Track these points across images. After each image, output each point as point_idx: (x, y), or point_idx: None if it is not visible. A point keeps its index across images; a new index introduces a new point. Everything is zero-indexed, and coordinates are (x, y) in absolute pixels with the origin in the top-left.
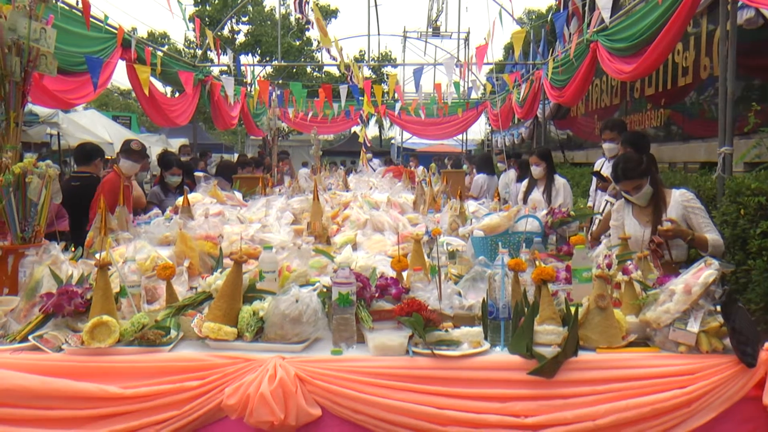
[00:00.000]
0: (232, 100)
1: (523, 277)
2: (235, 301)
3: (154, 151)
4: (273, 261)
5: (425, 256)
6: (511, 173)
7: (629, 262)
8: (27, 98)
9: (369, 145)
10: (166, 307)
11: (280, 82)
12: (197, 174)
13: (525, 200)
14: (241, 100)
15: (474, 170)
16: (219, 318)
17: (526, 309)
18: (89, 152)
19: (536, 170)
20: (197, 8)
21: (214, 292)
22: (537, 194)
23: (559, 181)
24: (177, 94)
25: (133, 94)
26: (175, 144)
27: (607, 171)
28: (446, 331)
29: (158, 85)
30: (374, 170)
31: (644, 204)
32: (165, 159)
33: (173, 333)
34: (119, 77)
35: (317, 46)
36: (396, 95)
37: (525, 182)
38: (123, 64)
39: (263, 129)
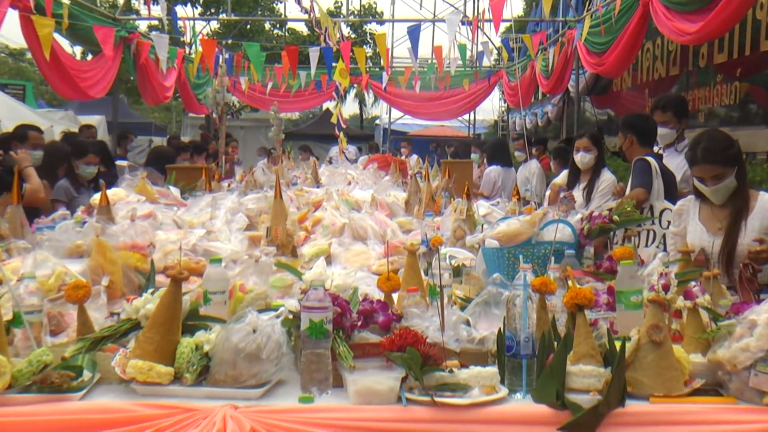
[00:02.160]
0: (166, 65)
1: (552, 301)
2: (172, 332)
3: (57, 133)
4: (222, 278)
5: (422, 273)
6: (533, 165)
7: (693, 282)
8: None
9: (344, 126)
10: (77, 339)
11: (230, 42)
12: (119, 163)
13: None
14: (178, 66)
15: (485, 161)
16: (150, 354)
17: (555, 343)
18: None
19: (585, 159)
20: None
21: (143, 320)
22: (577, 192)
23: (607, 177)
24: (90, 57)
25: (29, 56)
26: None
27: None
28: (450, 371)
29: (64, 44)
30: (350, 161)
31: (720, 201)
32: (76, 143)
33: (87, 375)
34: (9, 31)
35: None
36: (382, 61)
37: (562, 176)
38: (14, 14)
39: (207, 104)
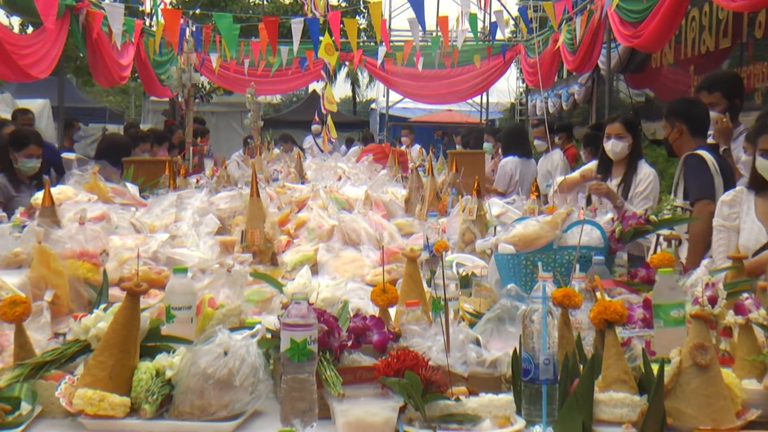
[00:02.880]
0: (121, 40)
1: (577, 316)
2: (128, 356)
3: None
4: (188, 291)
5: (424, 284)
6: (556, 155)
7: (746, 294)
8: None
9: (324, 111)
10: (15, 365)
11: (198, 12)
12: (66, 156)
13: (588, 198)
14: (136, 41)
15: (499, 151)
16: (102, 382)
17: (581, 366)
18: None
19: (617, 147)
20: None
21: (93, 341)
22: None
23: (645, 170)
24: (31, 30)
25: None
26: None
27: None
28: (457, 399)
29: None
30: (322, 152)
31: None
32: (15, 133)
33: (25, 408)
34: None
35: None
36: (378, 35)
37: (589, 166)
38: None
39: (171, 86)
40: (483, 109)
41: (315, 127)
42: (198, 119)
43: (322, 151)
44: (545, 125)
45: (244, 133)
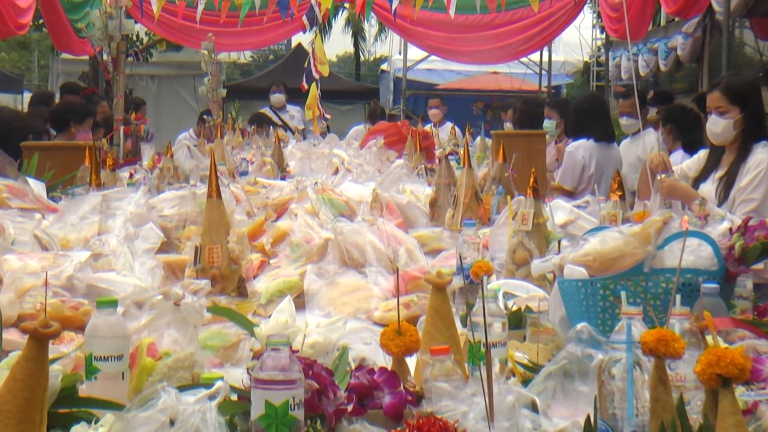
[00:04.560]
0: None
1: (678, 370)
2: (30, 426)
3: None
4: (117, 334)
5: (457, 323)
6: (650, 137)
7: None
8: None
9: (317, 75)
10: None
11: None
12: None
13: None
14: None
15: (566, 132)
16: None
17: None
18: None
19: (717, 126)
20: None
21: None
22: (709, 185)
23: (757, 157)
24: None
25: None
26: None
27: None
28: None
29: None
30: (324, 137)
31: None
32: None
33: None
34: None
35: None
36: None
37: (699, 156)
38: None
39: (92, 39)
40: (543, 72)
41: (275, 97)
42: (133, 94)
43: (292, 132)
44: (635, 94)
45: (198, 107)
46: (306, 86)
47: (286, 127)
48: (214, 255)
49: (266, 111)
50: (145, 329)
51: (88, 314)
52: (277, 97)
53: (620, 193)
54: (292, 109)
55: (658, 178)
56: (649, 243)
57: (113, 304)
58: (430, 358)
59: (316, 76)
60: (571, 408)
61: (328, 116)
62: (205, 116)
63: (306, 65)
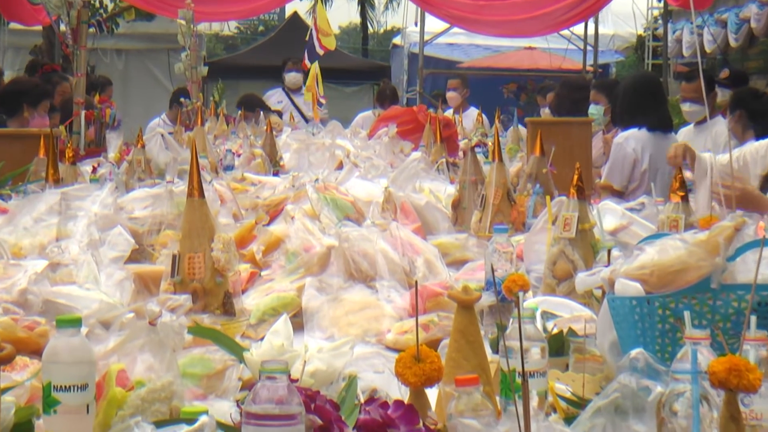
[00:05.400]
0: None
1: (754, 406)
2: None
3: None
4: (82, 360)
5: (487, 348)
6: (719, 127)
7: None
8: None
9: (321, 51)
10: None
11: None
12: None
13: None
14: None
15: (615, 120)
16: None
17: None
18: None
19: None
20: None
21: None
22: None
23: None
24: None
25: None
26: None
27: None
28: None
29: None
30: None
31: None
32: None
33: None
34: None
35: None
36: None
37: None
38: None
39: (47, 6)
40: (588, 48)
41: (291, 77)
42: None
43: (307, 120)
44: (700, 75)
45: (173, 87)
46: (308, 64)
47: (301, 114)
48: (195, 265)
49: (278, 93)
50: (114, 353)
51: (46, 335)
52: (294, 77)
53: (682, 194)
54: (274, 91)
55: (722, 183)
56: (718, 254)
57: (76, 323)
58: (454, 390)
59: (321, 52)
60: None
61: (323, 100)
62: (181, 99)
63: (308, 38)
